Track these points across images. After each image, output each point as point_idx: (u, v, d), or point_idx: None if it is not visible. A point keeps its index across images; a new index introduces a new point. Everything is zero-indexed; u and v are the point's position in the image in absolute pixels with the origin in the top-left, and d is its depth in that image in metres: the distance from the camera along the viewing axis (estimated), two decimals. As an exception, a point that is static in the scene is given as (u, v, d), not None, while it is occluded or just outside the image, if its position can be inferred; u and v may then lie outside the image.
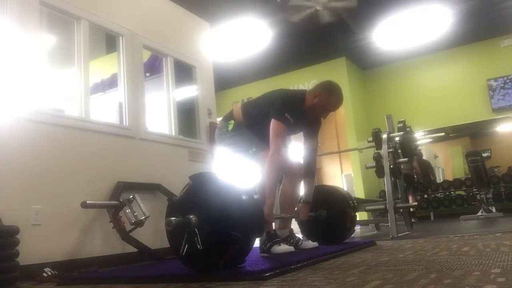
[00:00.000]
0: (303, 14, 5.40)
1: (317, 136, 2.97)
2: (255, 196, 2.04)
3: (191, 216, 1.87)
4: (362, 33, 6.72)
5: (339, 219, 3.03)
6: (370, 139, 4.28)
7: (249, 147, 2.67)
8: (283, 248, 2.46)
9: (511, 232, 3.14)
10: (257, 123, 2.68)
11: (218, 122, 2.91)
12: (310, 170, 2.88)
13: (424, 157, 8.06)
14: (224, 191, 1.95)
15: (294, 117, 2.60)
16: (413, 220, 5.02)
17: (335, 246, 2.75)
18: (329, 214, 3.01)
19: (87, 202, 2.79)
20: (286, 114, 2.58)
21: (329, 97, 2.72)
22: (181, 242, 1.89)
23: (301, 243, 2.70)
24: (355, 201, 3.18)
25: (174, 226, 1.82)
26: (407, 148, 4.22)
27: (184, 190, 2.05)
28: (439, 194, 7.93)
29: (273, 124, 2.59)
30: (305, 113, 2.77)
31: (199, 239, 1.83)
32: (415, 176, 7.06)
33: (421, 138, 7.86)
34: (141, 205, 3.14)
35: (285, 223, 2.80)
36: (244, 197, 1.96)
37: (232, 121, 2.78)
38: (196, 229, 1.85)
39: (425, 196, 7.86)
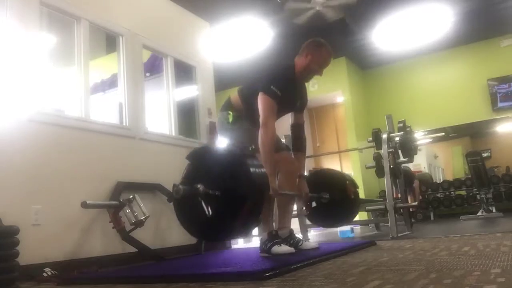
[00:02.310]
0: (303, 15, 5.39)
1: (302, 112, 2.95)
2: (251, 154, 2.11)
3: (198, 185, 1.89)
4: (362, 33, 6.71)
5: (342, 195, 3.02)
6: (370, 139, 4.28)
7: (249, 144, 2.64)
8: (284, 249, 2.46)
9: (511, 232, 3.14)
10: (253, 106, 2.62)
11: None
12: (301, 145, 2.88)
13: (425, 162, 8.11)
14: (223, 157, 2.03)
15: (281, 89, 2.54)
16: (412, 220, 5.02)
17: (335, 246, 2.76)
18: (331, 195, 3.00)
19: (87, 202, 2.79)
20: (272, 87, 2.53)
21: (320, 51, 2.70)
22: (189, 212, 1.95)
23: (301, 244, 2.70)
24: (352, 178, 3.22)
25: (182, 194, 1.84)
26: (407, 148, 4.22)
27: (185, 170, 2.09)
28: (439, 194, 7.93)
29: (260, 98, 2.56)
30: (296, 82, 2.74)
31: (218, 196, 1.89)
32: (416, 197, 7.05)
33: (421, 138, 7.86)
34: (141, 205, 3.15)
35: (285, 223, 2.79)
36: (242, 157, 2.02)
37: (231, 112, 2.73)
38: (209, 193, 1.90)
39: (426, 196, 7.86)
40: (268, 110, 2.53)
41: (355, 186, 3.13)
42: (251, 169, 1.95)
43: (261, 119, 2.52)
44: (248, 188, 1.90)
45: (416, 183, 7.13)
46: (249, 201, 1.89)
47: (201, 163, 2.05)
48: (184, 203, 1.98)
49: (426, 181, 8.07)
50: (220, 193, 1.91)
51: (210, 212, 1.87)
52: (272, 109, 2.54)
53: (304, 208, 3.07)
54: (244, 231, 1.95)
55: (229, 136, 2.78)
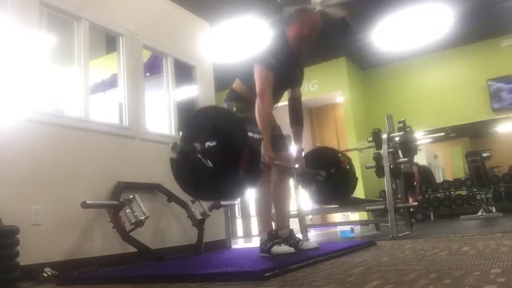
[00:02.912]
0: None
1: (300, 86, 2.93)
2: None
3: (195, 144, 1.92)
4: (362, 33, 6.71)
5: (338, 168, 3.08)
6: (370, 139, 4.28)
7: None
8: (284, 249, 2.46)
9: (511, 232, 3.14)
10: (254, 87, 2.59)
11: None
12: (298, 118, 2.88)
13: (425, 162, 8.11)
14: (214, 114, 2.12)
15: (278, 60, 2.54)
16: (412, 220, 5.03)
17: (335, 246, 2.75)
18: (328, 171, 3.04)
19: (87, 202, 2.80)
20: (267, 57, 2.53)
21: (308, 15, 2.72)
22: (189, 172, 2.03)
23: (301, 244, 2.70)
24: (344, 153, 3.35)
25: (180, 150, 1.93)
26: (407, 148, 4.22)
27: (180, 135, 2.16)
28: (439, 194, 7.93)
29: (255, 71, 2.55)
30: (292, 52, 2.72)
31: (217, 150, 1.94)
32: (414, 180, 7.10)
33: (421, 138, 7.85)
34: (141, 205, 3.15)
35: (284, 223, 2.79)
36: (229, 111, 2.14)
37: (234, 103, 2.69)
38: (206, 147, 1.93)
39: (427, 196, 7.86)
40: (264, 80, 2.51)
41: (348, 158, 3.19)
42: (243, 120, 2.03)
43: (257, 90, 2.51)
44: (243, 136, 1.93)
45: (414, 169, 7.12)
46: (246, 147, 1.91)
47: (194, 126, 2.09)
48: (184, 165, 2.01)
49: (424, 169, 8.04)
50: (217, 143, 1.94)
51: (211, 164, 1.88)
52: (268, 79, 2.52)
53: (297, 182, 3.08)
54: (246, 184, 1.96)
55: None
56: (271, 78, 2.53)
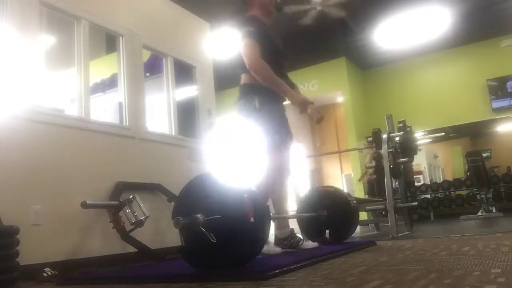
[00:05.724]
0: (303, 16, 5.40)
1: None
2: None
3: (198, 215, 1.87)
4: (362, 33, 6.72)
5: (338, 205, 3.05)
6: (370, 139, 4.28)
7: (274, 133, 2.54)
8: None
9: (511, 232, 3.14)
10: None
11: (238, 98, 2.67)
12: (291, 83, 2.84)
13: (425, 162, 8.11)
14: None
15: (258, 28, 2.53)
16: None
17: (335, 246, 2.75)
18: (330, 215, 3.00)
19: (87, 202, 2.79)
20: (247, 28, 2.50)
21: None
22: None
23: (302, 243, 2.70)
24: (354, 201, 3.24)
25: (182, 225, 1.84)
26: (407, 148, 4.23)
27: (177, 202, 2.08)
28: (439, 194, 7.93)
29: (242, 47, 2.50)
30: (266, 23, 2.71)
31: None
32: None
33: (421, 138, 7.86)
34: (141, 205, 3.14)
35: (284, 222, 2.78)
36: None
37: (255, 99, 2.57)
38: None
39: (428, 196, 7.87)
40: (252, 51, 2.46)
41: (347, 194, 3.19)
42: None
43: (248, 65, 2.46)
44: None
45: None
46: (245, 197, 1.88)
47: (198, 194, 2.02)
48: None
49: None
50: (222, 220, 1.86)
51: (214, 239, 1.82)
52: (255, 47, 2.47)
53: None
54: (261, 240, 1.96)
55: (255, 118, 2.57)
56: (257, 45, 2.48)
